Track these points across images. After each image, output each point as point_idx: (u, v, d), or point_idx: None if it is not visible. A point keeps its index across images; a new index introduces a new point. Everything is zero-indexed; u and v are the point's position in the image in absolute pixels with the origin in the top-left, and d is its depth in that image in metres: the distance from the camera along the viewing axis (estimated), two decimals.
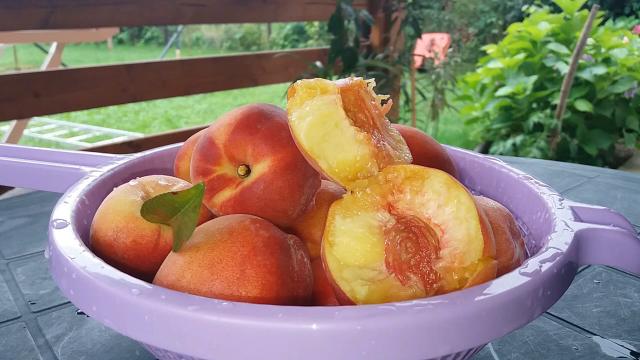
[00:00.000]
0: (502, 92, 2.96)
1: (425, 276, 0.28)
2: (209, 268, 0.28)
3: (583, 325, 0.42)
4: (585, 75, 2.79)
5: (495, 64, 3.12)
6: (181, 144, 0.47)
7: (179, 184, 0.38)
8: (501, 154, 2.76)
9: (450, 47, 5.68)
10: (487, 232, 0.28)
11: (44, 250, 0.57)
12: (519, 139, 2.73)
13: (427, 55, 3.12)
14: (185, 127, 3.92)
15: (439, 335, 0.24)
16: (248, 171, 0.34)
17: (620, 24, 5.06)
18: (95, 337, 0.41)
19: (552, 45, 2.96)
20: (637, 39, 3.27)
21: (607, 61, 2.91)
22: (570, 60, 2.61)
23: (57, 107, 1.61)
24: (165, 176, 0.39)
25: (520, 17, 7.63)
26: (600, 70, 2.77)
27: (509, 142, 2.76)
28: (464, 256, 0.27)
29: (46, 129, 3.99)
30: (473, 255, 0.27)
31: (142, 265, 0.34)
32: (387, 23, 2.43)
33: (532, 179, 0.41)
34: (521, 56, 3.03)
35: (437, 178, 0.30)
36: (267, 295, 0.28)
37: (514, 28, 3.25)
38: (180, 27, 8.20)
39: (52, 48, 2.48)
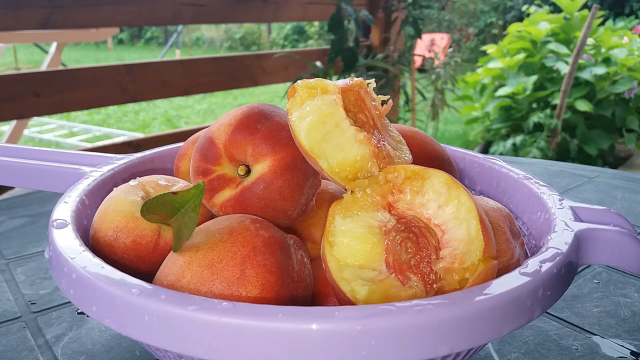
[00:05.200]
0: (502, 92, 2.96)
1: (426, 276, 0.28)
2: (209, 268, 0.28)
3: (583, 325, 0.42)
4: (585, 75, 2.79)
5: (495, 64, 3.12)
6: (181, 144, 0.47)
7: (179, 184, 0.38)
8: (501, 154, 2.76)
9: (450, 47, 5.68)
10: (487, 232, 0.28)
11: (44, 250, 0.57)
12: (519, 139, 2.73)
13: (427, 55, 3.12)
14: (185, 127, 3.92)
15: (439, 335, 0.24)
16: (248, 171, 0.34)
17: (620, 24, 5.06)
18: (95, 337, 0.41)
19: (552, 45, 2.96)
20: (637, 39, 3.27)
21: (607, 61, 2.91)
22: (570, 60, 2.61)
23: (57, 107, 1.61)
24: (165, 176, 0.39)
25: (520, 17, 7.63)
26: (600, 70, 2.77)
27: (509, 142, 2.76)
28: (465, 256, 0.27)
29: (46, 129, 3.99)
30: (473, 255, 0.27)
31: (142, 265, 0.34)
32: (387, 23, 2.43)
33: (532, 179, 0.41)
34: (521, 56, 3.03)
35: (437, 178, 0.30)
36: (267, 295, 0.28)
37: (514, 28, 3.25)
38: (180, 27, 8.19)
39: (52, 48, 2.48)
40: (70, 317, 0.44)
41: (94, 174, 0.42)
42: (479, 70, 3.29)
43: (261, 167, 0.33)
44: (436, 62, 2.86)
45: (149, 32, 11.71)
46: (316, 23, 7.33)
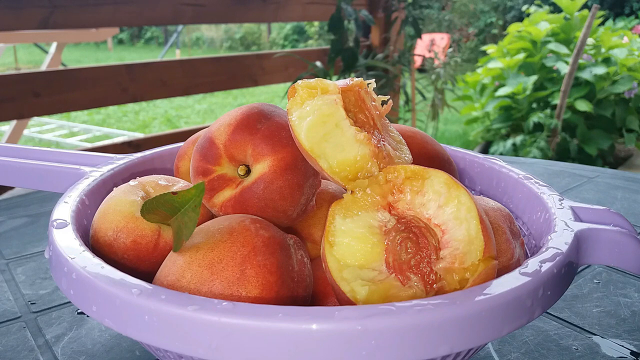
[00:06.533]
0: (502, 92, 2.96)
1: (426, 276, 0.28)
2: (209, 268, 0.28)
3: (583, 325, 0.42)
4: (585, 75, 2.79)
5: (495, 64, 3.12)
6: (181, 144, 0.47)
7: (179, 184, 0.38)
8: (501, 154, 2.76)
9: (450, 47, 5.68)
10: (487, 232, 0.28)
11: (44, 250, 0.57)
12: (519, 139, 2.73)
13: (427, 55, 3.12)
14: (185, 127, 3.92)
15: (439, 335, 0.24)
16: (248, 171, 0.34)
17: (620, 24, 5.06)
18: (95, 337, 0.41)
19: (552, 45, 2.96)
20: (637, 39, 3.27)
21: (607, 61, 2.91)
22: (570, 60, 2.61)
23: (57, 107, 1.61)
24: (165, 176, 0.39)
25: (520, 17, 7.63)
26: (600, 70, 2.77)
27: (509, 142, 2.76)
28: (465, 256, 0.27)
29: (46, 129, 3.99)
30: (473, 255, 0.27)
31: (142, 265, 0.34)
32: (387, 23, 2.43)
33: (532, 179, 0.41)
34: (521, 56, 3.03)
35: (438, 178, 0.30)
36: (267, 295, 0.28)
37: (514, 28, 3.25)
38: (180, 27, 8.20)
39: (52, 48, 2.48)
40: (70, 317, 0.44)
41: (94, 174, 0.42)
42: (479, 70, 3.29)
43: (261, 167, 0.33)
44: (436, 62, 2.86)
45: (149, 32, 11.71)
46: (316, 23, 7.34)
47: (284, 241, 0.31)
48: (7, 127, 3.28)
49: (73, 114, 4.62)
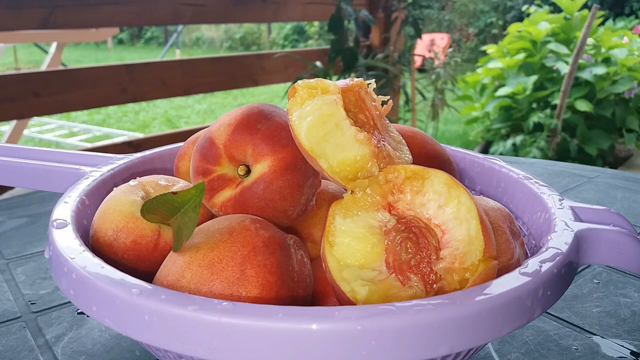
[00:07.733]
0: (502, 92, 2.96)
1: (426, 276, 0.28)
2: (209, 268, 0.28)
3: (583, 325, 0.42)
4: (585, 75, 2.79)
5: (495, 64, 3.12)
6: (181, 144, 0.47)
7: (179, 184, 0.38)
8: (501, 154, 2.76)
9: (450, 47, 5.68)
10: (487, 232, 0.28)
11: (44, 250, 0.57)
12: (519, 139, 2.73)
13: (427, 55, 3.12)
14: (185, 127, 3.92)
15: (439, 335, 0.24)
16: (248, 171, 0.34)
17: (620, 24, 5.06)
18: (95, 337, 0.41)
19: (552, 45, 2.96)
20: (637, 39, 3.27)
21: (607, 61, 2.91)
22: (570, 60, 2.61)
23: (57, 107, 1.61)
24: (165, 176, 0.39)
25: (520, 17, 7.63)
26: (600, 70, 2.77)
27: (509, 142, 2.76)
28: (465, 257, 0.27)
29: (46, 129, 3.99)
30: (474, 255, 0.27)
31: (142, 265, 0.34)
32: (387, 23, 2.43)
33: (532, 179, 0.41)
34: (521, 56, 3.03)
35: (438, 178, 0.30)
36: (267, 295, 0.28)
37: (514, 28, 3.25)
38: (180, 27, 8.20)
39: (52, 48, 2.48)
40: (70, 317, 0.44)
41: (94, 174, 0.42)
42: (479, 70, 3.29)
43: (261, 167, 0.33)
44: (436, 62, 2.86)
45: (149, 32, 11.71)
46: (316, 23, 7.34)
47: (284, 241, 0.31)
48: (7, 127, 3.28)
49: (73, 114, 4.63)
